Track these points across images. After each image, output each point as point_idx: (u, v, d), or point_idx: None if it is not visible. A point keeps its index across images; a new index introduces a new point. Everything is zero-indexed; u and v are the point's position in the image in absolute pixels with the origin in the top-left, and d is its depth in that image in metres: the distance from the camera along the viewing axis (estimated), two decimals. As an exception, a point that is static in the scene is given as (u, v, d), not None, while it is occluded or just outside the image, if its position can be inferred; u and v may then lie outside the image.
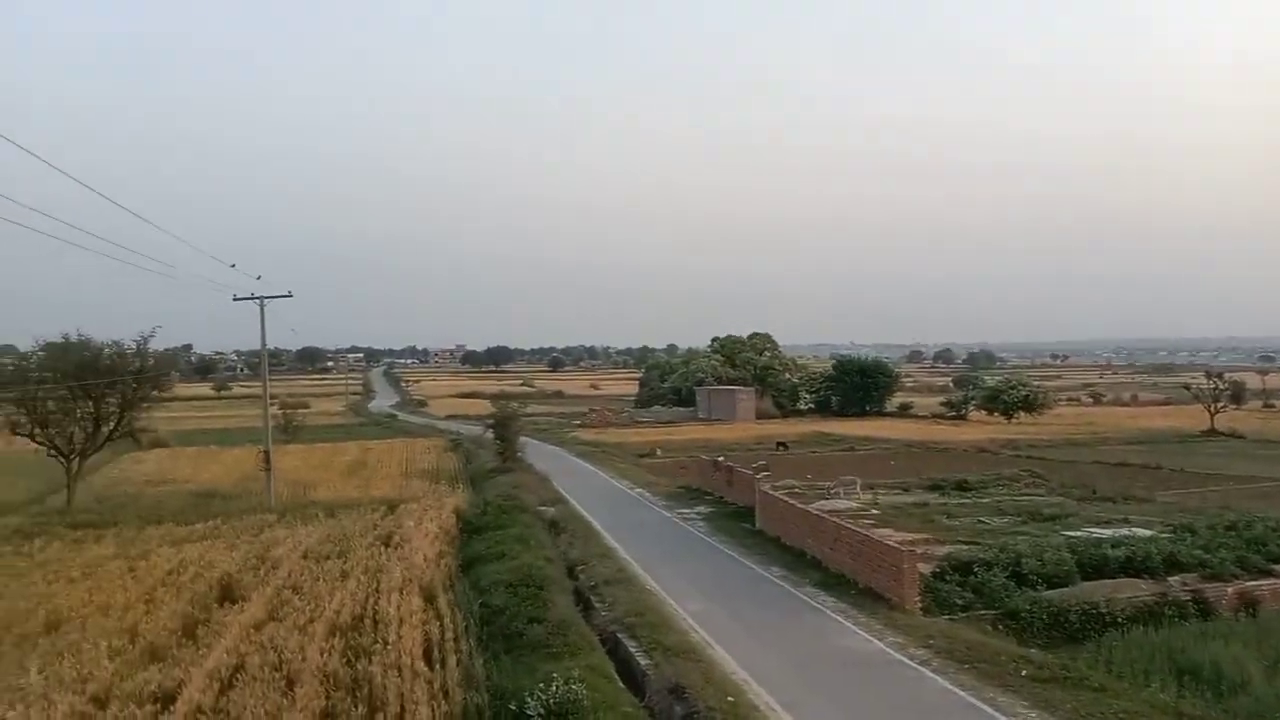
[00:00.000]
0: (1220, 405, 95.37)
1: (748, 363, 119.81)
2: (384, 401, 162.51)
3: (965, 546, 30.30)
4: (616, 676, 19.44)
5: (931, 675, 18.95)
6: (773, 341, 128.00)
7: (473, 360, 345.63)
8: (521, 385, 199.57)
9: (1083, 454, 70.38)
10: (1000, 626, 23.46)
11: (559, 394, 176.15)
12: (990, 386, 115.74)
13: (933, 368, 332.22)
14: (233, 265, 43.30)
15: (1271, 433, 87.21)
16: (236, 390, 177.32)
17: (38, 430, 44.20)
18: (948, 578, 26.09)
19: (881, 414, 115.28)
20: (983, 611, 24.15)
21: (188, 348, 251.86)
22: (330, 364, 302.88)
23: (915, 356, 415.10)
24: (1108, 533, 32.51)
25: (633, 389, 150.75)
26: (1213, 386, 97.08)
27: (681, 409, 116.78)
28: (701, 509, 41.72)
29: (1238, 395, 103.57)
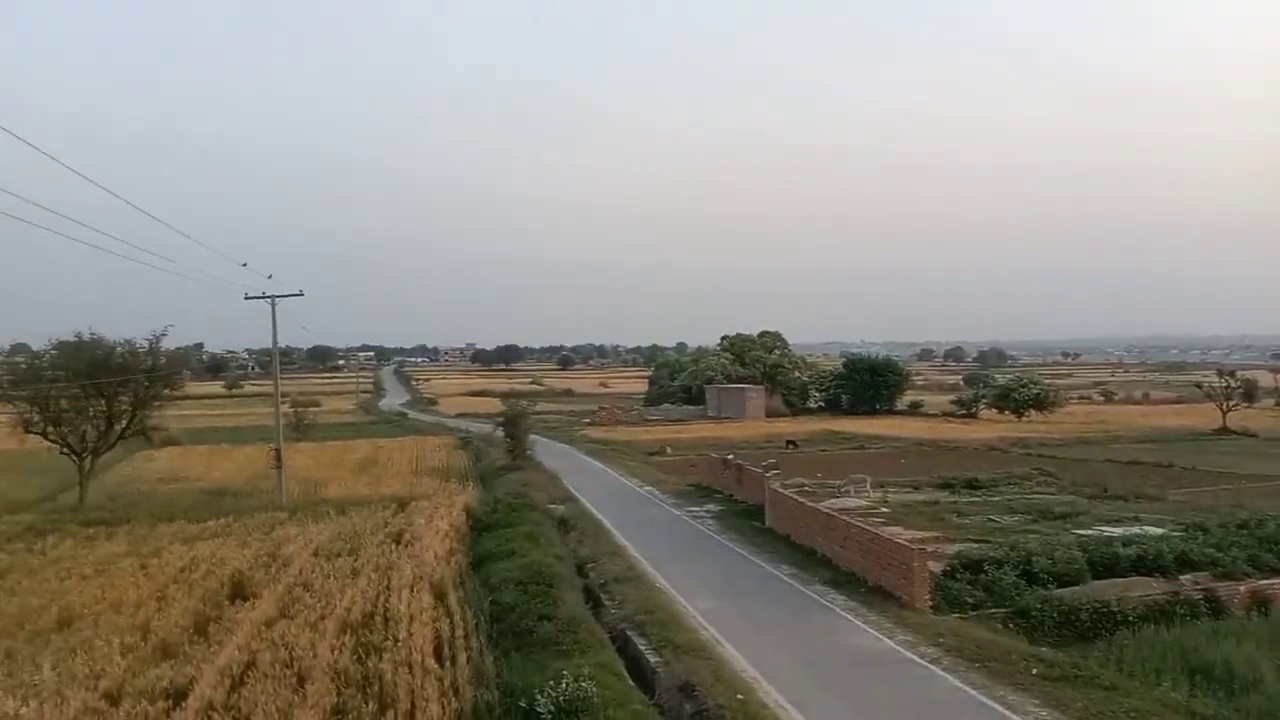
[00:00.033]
0: (1232, 403, 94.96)
1: (757, 361, 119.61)
2: (394, 400, 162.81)
3: (976, 545, 30.26)
4: (626, 674, 19.44)
5: (942, 673, 18.91)
6: (782, 340, 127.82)
7: (483, 359, 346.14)
8: (531, 383, 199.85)
9: (1094, 452, 70.16)
10: (1011, 625, 23.40)
11: (568, 392, 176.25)
12: (1001, 385, 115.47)
13: (943, 366, 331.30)
14: (244, 264, 43.47)
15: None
16: (248, 389, 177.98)
17: (50, 428, 44.36)
18: (958, 576, 26.03)
19: (892, 412, 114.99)
20: (993, 610, 24.09)
21: (199, 346, 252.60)
22: (341, 362, 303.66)
23: (926, 354, 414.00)
24: (1119, 531, 32.42)
25: (642, 387, 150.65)
26: (1225, 385, 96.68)
27: (691, 407, 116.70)
28: (711, 507, 41.70)
29: (1250, 393, 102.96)
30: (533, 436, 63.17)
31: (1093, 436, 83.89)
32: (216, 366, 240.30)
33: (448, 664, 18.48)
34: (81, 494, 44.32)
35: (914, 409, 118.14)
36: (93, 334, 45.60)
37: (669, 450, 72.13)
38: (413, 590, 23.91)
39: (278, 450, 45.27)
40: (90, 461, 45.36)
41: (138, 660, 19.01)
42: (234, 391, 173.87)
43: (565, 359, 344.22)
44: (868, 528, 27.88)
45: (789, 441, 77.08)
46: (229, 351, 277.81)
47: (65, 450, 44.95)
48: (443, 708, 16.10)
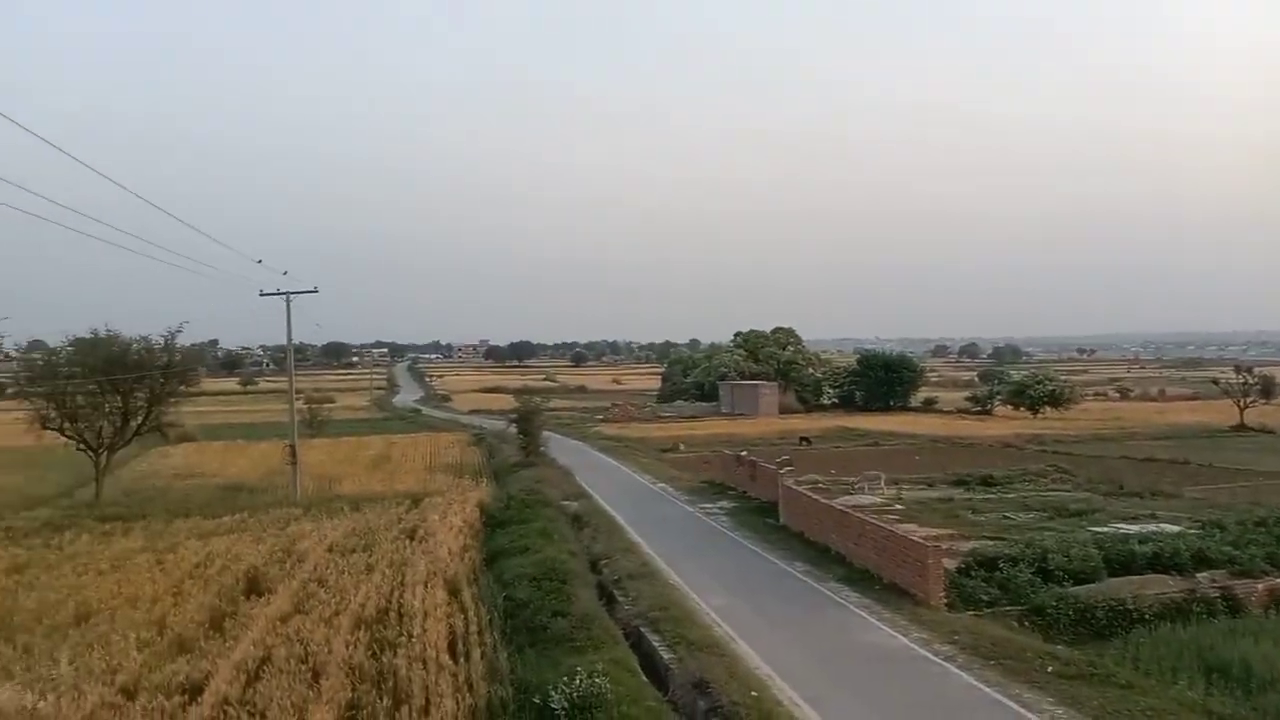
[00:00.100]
0: (1250, 400, 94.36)
1: (771, 357, 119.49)
2: (408, 396, 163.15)
3: (990, 542, 30.12)
4: (640, 670, 19.42)
5: (956, 671, 18.84)
6: (796, 336, 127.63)
7: (496, 355, 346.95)
8: (544, 380, 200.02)
9: (1110, 449, 69.82)
10: (1026, 623, 23.27)
11: (582, 389, 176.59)
12: (1016, 381, 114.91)
13: (958, 362, 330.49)
14: (259, 261, 43.65)
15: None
16: (262, 385, 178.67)
17: (67, 424, 44.63)
18: (973, 573, 25.92)
19: (906, 409, 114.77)
20: (1008, 607, 23.98)
21: (214, 343, 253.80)
22: (355, 359, 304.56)
23: (940, 351, 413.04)
24: (1135, 528, 32.24)
25: (655, 384, 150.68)
26: (1242, 381, 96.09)
27: (704, 404, 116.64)
28: (724, 504, 41.66)
29: (1268, 390, 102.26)
30: (546, 433, 63.26)
31: (1108, 433, 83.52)
32: (231, 363, 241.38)
33: (462, 660, 18.52)
34: (98, 490, 44.58)
35: (928, 405, 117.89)
36: (109, 331, 45.96)
37: (682, 447, 72.12)
38: (427, 586, 23.96)
39: (292, 446, 45.45)
40: (106, 457, 45.64)
41: (154, 655, 19.11)
42: (249, 388, 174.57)
43: (578, 356, 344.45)
44: (882, 525, 27.78)
45: (802, 438, 76.97)
46: (244, 348, 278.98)
47: (82, 446, 45.22)
48: (457, 703, 16.13)
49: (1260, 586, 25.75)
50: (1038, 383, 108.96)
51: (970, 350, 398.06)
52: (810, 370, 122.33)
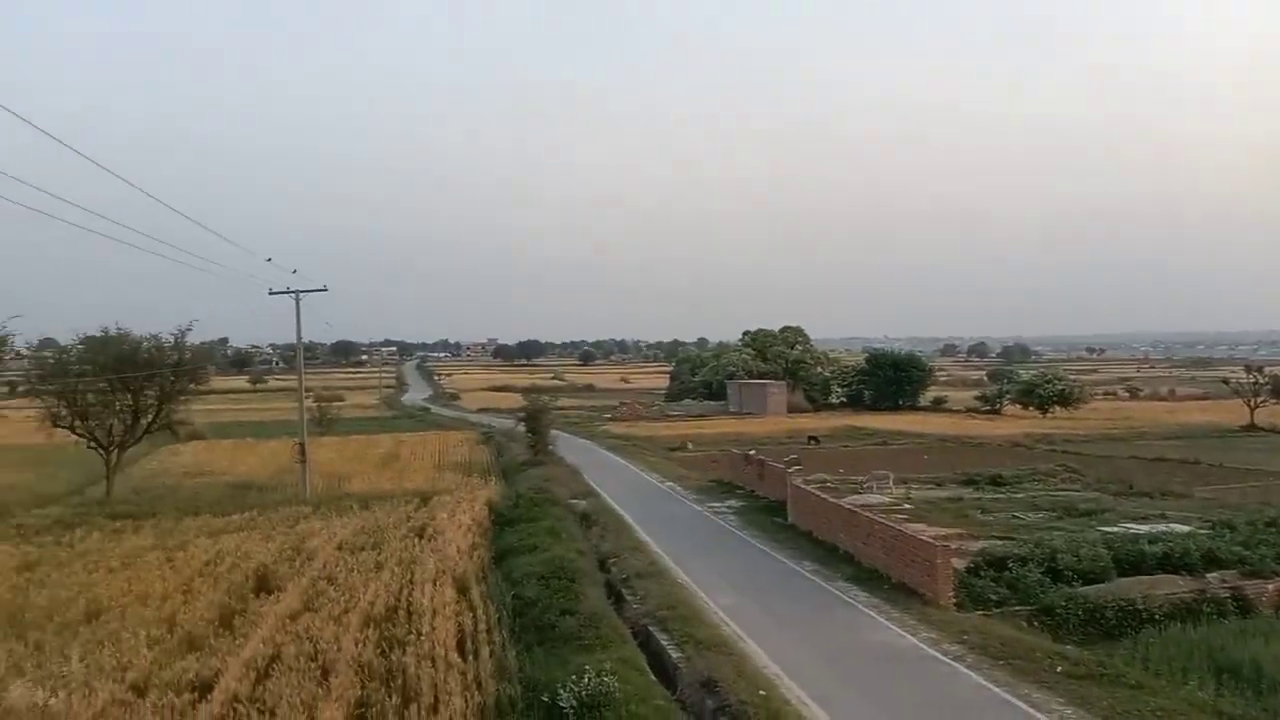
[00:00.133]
0: (1260, 400, 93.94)
1: (779, 356, 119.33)
2: (417, 395, 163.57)
3: (1000, 542, 30.06)
4: (648, 669, 19.45)
5: (965, 671, 18.81)
6: (804, 335, 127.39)
7: (504, 354, 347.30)
8: (552, 379, 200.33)
9: (1119, 449, 69.62)
10: (1035, 623, 23.24)
11: (590, 388, 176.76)
12: (1025, 380, 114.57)
13: (967, 361, 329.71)
14: (269, 259, 43.78)
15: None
16: (272, 383, 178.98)
17: (78, 422, 44.81)
18: (982, 573, 25.88)
19: (915, 408, 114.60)
20: (1017, 607, 23.93)
21: (224, 341, 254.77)
22: (364, 357, 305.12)
23: (949, 350, 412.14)
24: (1145, 528, 32.13)
25: (663, 383, 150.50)
26: (1253, 381, 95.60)
27: (712, 403, 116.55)
28: (733, 503, 41.66)
29: (1278, 390, 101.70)
30: (554, 432, 63.29)
31: (1118, 433, 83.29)
32: (241, 361, 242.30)
33: (470, 658, 18.55)
34: (108, 487, 44.75)
35: (937, 405, 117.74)
36: (119, 329, 46.11)
37: (690, 446, 72.09)
38: (435, 584, 24.02)
39: (302, 445, 45.56)
40: (117, 455, 45.80)
41: (164, 652, 19.18)
42: (258, 386, 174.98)
43: (586, 354, 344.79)
44: (891, 524, 27.75)
45: (811, 437, 76.88)
46: (253, 346, 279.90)
47: (92, 444, 45.40)
48: (466, 701, 16.16)
49: (1271, 587, 25.63)
50: (1047, 382, 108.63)
51: (979, 349, 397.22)
52: (818, 369, 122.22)
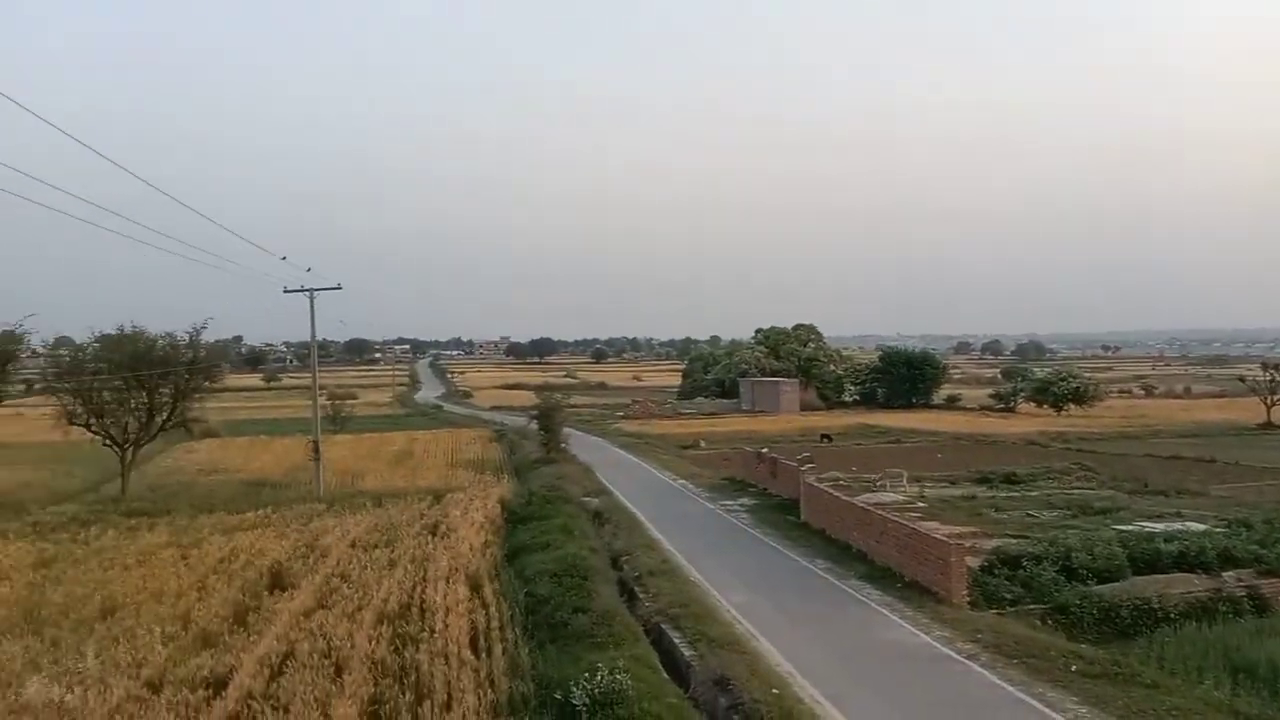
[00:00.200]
0: (1277, 398, 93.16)
1: (792, 354, 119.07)
2: (430, 392, 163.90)
3: (1014, 540, 29.91)
4: (661, 667, 19.44)
5: (979, 670, 18.74)
6: (817, 333, 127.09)
7: (517, 352, 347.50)
8: (565, 377, 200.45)
9: (1134, 447, 69.23)
10: (1049, 621, 23.13)
11: (602, 385, 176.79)
12: (1040, 378, 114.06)
13: (980, 359, 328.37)
14: (283, 258, 43.89)
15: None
16: (286, 381, 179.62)
17: (93, 420, 45.02)
18: (996, 571, 25.78)
19: (928, 406, 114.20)
20: (1032, 606, 23.83)
21: (238, 339, 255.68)
22: (378, 355, 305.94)
23: (963, 348, 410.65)
24: (1160, 527, 31.94)
25: (676, 381, 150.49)
26: (1269, 378, 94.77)
27: (725, 401, 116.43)
28: (745, 501, 41.61)
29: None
30: (567, 430, 63.30)
31: (1133, 431, 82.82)
32: (255, 359, 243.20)
33: (483, 655, 18.57)
34: (123, 485, 44.97)
35: (951, 403, 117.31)
36: (134, 327, 46.29)
37: (703, 444, 72.05)
38: (449, 582, 24.06)
39: (315, 442, 45.69)
40: (132, 453, 46.03)
41: (179, 649, 19.26)
42: (272, 384, 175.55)
43: (599, 352, 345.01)
44: (904, 522, 27.66)
45: (823, 435, 76.74)
46: (267, 344, 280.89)
47: (108, 442, 45.63)
48: (479, 699, 16.18)
49: (1287, 586, 25.47)
50: (1062, 380, 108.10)
51: (993, 347, 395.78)
52: (831, 367, 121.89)
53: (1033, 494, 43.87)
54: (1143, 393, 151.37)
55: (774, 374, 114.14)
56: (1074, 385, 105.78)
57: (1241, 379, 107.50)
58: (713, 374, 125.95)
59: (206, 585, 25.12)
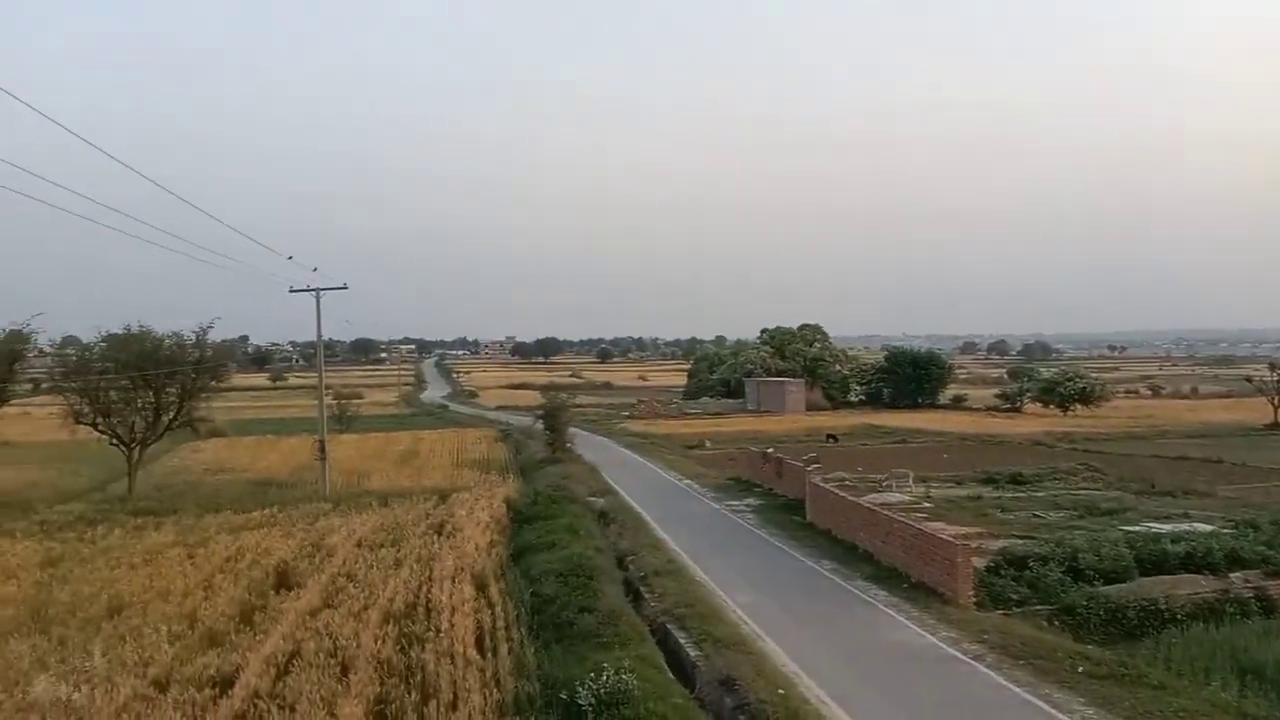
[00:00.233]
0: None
1: (797, 354, 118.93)
2: (435, 392, 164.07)
3: (1020, 541, 29.86)
4: (666, 667, 19.43)
5: (986, 670, 18.71)
6: (823, 333, 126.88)
7: (522, 352, 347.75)
8: (570, 376, 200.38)
9: (1141, 447, 69.02)
10: (1056, 622, 23.10)
11: (607, 385, 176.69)
12: (1046, 378, 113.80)
13: (986, 359, 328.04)
14: (289, 258, 43.98)
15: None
16: (292, 381, 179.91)
17: (100, 419, 45.11)
18: (1002, 572, 25.74)
19: (934, 406, 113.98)
20: (1038, 607, 23.80)
21: (244, 339, 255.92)
22: (383, 355, 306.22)
23: (969, 348, 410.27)
24: (1167, 528, 31.85)
25: (681, 380, 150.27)
26: (1276, 379, 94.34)
27: (730, 400, 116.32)
28: (751, 501, 41.57)
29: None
30: (572, 429, 63.31)
31: (1140, 431, 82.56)
32: (261, 359, 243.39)
33: (489, 655, 18.59)
34: (130, 484, 45.08)
35: (957, 403, 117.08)
36: (141, 327, 46.40)
37: (708, 444, 71.97)
38: (454, 581, 24.08)
39: (321, 442, 45.76)
40: (139, 452, 46.12)
41: (185, 648, 19.30)
42: (278, 384, 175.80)
43: (604, 352, 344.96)
44: (910, 523, 27.61)
45: (829, 435, 76.62)
46: (273, 344, 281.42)
47: (114, 441, 45.72)
48: (484, 698, 16.20)
49: (1295, 587, 25.39)
50: (1068, 380, 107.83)
51: (999, 347, 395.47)
52: (837, 367, 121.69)
53: (1039, 494, 43.77)
54: (1149, 393, 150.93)
55: (779, 374, 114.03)
56: (1080, 385, 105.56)
57: (1249, 379, 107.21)
58: (718, 374, 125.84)
59: (213, 584, 25.16)
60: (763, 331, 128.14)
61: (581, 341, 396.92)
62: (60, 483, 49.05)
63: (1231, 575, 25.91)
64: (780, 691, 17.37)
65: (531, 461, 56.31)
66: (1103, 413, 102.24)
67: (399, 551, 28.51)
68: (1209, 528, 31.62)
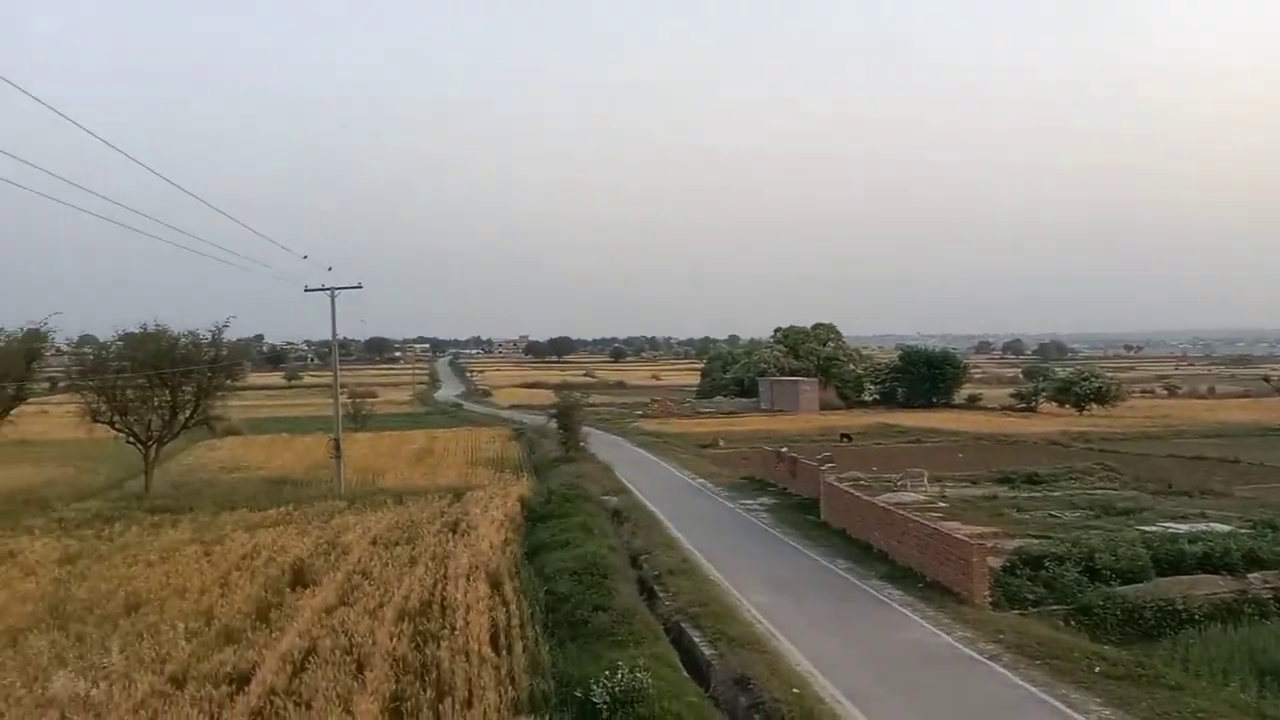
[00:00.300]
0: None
1: (811, 353, 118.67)
2: (449, 391, 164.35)
3: (1036, 540, 29.76)
4: (681, 666, 19.43)
5: (1002, 670, 18.63)
6: (837, 332, 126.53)
7: (536, 351, 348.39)
8: (584, 375, 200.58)
9: (1157, 447, 68.63)
10: (1072, 622, 22.98)
11: (621, 384, 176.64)
12: (1061, 378, 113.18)
13: (1002, 359, 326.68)
14: (305, 257, 44.19)
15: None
16: (307, 380, 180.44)
17: (117, 418, 45.37)
18: (1018, 572, 25.64)
19: (949, 406, 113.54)
20: (1054, 607, 23.69)
21: (259, 338, 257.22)
22: (398, 354, 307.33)
23: (983, 347, 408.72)
24: (1184, 528, 31.68)
25: (694, 379, 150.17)
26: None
27: (744, 400, 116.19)
28: (765, 500, 41.52)
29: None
30: (586, 428, 63.31)
31: (1156, 431, 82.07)
32: (276, 358, 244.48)
33: (504, 653, 18.62)
34: (147, 482, 45.32)
35: (972, 402, 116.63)
36: (157, 325, 46.60)
37: (721, 443, 71.91)
38: (469, 579, 24.13)
39: (337, 440, 45.91)
40: (155, 450, 46.34)
41: (202, 645, 19.39)
42: (293, 382, 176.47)
43: (617, 351, 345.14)
44: (925, 522, 27.51)
45: (843, 435, 76.48)
46: (288, 343, 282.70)
47: (131, 439, 45.97)
48: (499, 696, 16.22)
49: (1314, 588, 25.20)
50: (1084, 379, 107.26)
51: (1014, 347, 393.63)
52: (851, 366, 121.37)
53: (1055, 494, 43.60)
54: (1166, 393, 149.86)
55: (793, 373, 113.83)
56: (1096, 385, 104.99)
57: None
58: (732, 373, 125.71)
59: (229, 582, 25.27)
60: (776, 330, 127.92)
61: (595, 340, 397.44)
62: (78, 480, 49.40)
63: (1250, 576, 25.73)
64: (795, 691, 17.35)
65: (545, 460, 56.36)
66: (1119, 412, 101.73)
67: (414, 549, 28.59)
68: (1226, 528, 31.43)
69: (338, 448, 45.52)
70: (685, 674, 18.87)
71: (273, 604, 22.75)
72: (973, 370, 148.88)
